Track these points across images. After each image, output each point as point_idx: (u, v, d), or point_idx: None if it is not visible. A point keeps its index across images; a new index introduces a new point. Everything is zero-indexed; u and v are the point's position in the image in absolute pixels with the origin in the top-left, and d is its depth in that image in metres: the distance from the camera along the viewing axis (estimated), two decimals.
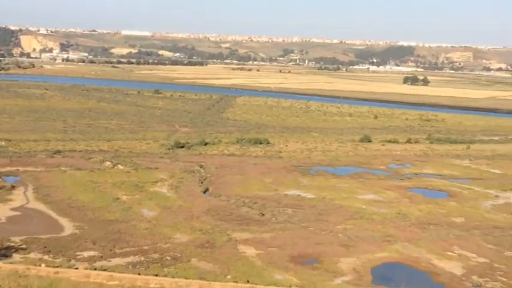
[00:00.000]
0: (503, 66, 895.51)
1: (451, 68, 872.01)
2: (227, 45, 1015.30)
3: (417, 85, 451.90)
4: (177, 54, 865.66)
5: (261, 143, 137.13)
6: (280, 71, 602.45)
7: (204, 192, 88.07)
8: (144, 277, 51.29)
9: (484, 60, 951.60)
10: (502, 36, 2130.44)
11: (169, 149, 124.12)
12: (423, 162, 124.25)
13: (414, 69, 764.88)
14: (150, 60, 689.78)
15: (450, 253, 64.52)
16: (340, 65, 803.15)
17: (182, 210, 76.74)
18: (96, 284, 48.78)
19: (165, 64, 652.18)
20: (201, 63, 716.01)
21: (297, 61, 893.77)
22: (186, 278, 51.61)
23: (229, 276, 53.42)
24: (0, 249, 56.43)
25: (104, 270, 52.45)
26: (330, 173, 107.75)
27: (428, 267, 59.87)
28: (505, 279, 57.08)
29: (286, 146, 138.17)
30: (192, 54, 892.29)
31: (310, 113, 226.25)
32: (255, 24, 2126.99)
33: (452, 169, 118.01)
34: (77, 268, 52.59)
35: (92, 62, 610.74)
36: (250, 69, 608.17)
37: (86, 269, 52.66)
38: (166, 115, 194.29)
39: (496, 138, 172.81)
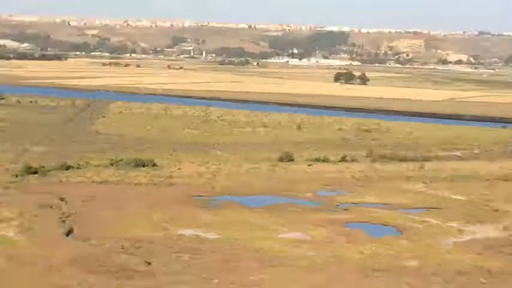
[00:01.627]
0: (463, 57, 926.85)
1: (397, 61, 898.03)
2: (95, 31, 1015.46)
3: (353, 84, 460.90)
4: (26, 44, 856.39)
5: (144, 166, 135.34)
6: (169, 67, 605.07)
7: (68, 234, 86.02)
8: None
9: (440, 50, 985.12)
10: (460, 19, 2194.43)
11: (17, 176, 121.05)
12: (363, 188, 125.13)
13: (348, 62, 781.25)
14: None
15: None
16: (249, 58, 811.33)
17: (37, 260, 75.18)
18: None
19: (8, 58, 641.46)
20: (59, 57, 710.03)
21: (192, 53, 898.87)
22: None
23: None
24: None
25: None
26: (239, 205, 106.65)
27: None
28: None
29: (179, 169, 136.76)
30: (47, 44, 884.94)
31: (210, 123, 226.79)
32: (133, 3, 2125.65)
33: (402, 196, 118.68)
34: None
35: None
36: (127, 65, 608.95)
37: None
38: (12, 129, 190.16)
39: (458, 153, 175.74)
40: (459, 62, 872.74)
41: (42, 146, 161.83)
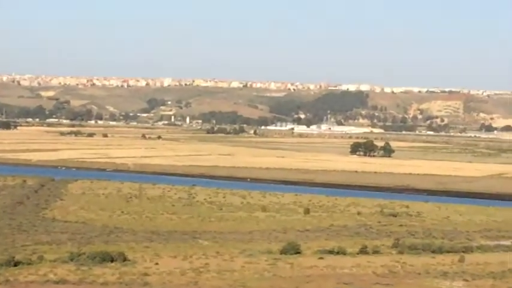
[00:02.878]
0: None
1: (429, 128, 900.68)
2: (51, 93, 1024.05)
3: (374, 156, 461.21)
4: None
5: (112, 261, 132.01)
6: (144, 137, 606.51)
7: None
8: None
9: (482, 114, 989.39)
10: (507, 76, 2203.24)
11: None
12: (389, 286, 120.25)
13: (368, 129, 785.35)
14: None
15: None
16: (244, 125, 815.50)
17: None
18: None
19: None
20: (6, 125, 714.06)
21: (173, 119, 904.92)
22: None
23: None
24: None
25: None
26: None
27: None
28: None
29: (157, 264, 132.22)
30: None
31: (196, 206, 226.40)
32: (98, 58, 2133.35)
33: None
34: None
35: None
36: (91, 134, 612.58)
37: None
38: None
39: (507, 243, 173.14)
40: (507, 128, 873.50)
41: None
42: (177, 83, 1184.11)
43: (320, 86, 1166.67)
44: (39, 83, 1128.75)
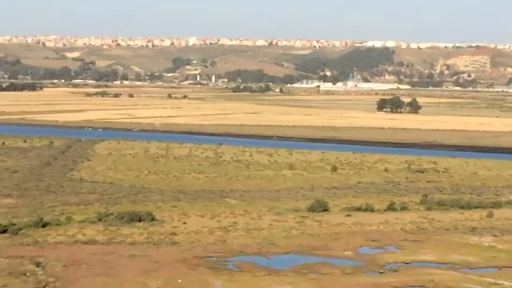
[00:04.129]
0: None
1: (456, 83, 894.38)
2: (77, 54, 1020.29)
3: (401, 113, 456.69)
4: None
5: (140, 220, 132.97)
6: (170, 96, 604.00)
7: None
8: None
9: (510, 68, 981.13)
10: None
11: None
12: (417, 243, 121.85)
13: (395, 86, 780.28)
14: None
15: None
16: (270, 83, 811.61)
17: None
18: None
19: None
20: (32, 87, 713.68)
21: (198, 78, 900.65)
22: None
23: None
24: None
25: None
26: (260, 267, 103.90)
27: None
28: None
29: (185, 223, 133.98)
30: (17, 70, 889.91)
31: (223, 165, 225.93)
32: (122, 19, 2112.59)
33: (466, 252, 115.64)
34: None
35: None
36: (118, 95, 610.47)
37: None
38: None
39: None
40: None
41: (12, 197, 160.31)
42: (202, 42, 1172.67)
43: (346, 43, 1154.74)
44: (64, 44, 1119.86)
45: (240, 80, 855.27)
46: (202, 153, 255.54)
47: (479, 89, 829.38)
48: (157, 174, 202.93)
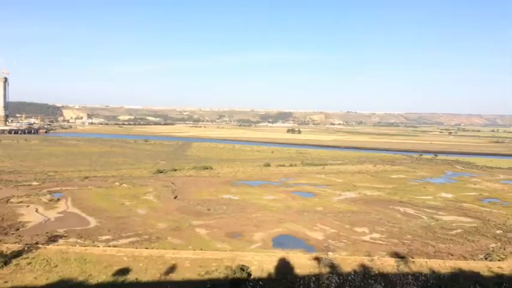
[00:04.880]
0: (341, 122, 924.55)
1: (313, 123, 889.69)
2: (187, 113, 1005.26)
3: (294, 133, 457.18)
4: (158, 118, 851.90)
5: (207, 169, 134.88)
6: (218, 127, 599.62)
7: (175, 198, 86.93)
8: (139, 250, 51.14)
9: (330, 119, 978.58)
10: (342, 102, 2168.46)
11: (154, 173, 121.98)
12: (299, 176, 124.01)
13: (292, 124, 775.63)
14: (142, 123, 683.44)
15: (315, 227, 66.22)
16: (251, 123, 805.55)
17: (161, 209, 76.03)
18: (110, 255, 48.19)
19: (150, 125, 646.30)
20: (171, 124, 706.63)
21: (227, 122, 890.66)
22: (165, 249, 51.60)
23: (190, 247, 53.47)
24: (50, 237, 55.60)
25: (115, 246, 51.94)
26: (247, 185, 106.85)
27: (304, 236, 61.39)
28: (345, 241, 59.14)
29: (222, 170, 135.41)
30: (166, 118, 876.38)
31: (235, 151, 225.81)
32: (202, 100, 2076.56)
33: (315, 180, 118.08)
34: (98, 246, 51.84)
35: (106, 124, 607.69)
36: (200, 127, 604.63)
37: (104, 246, 51.96)
38: (152, 154, 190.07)
39: (339, 162, 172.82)
40: (339, 124, 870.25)
41: (164, 161, 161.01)
42: (229, 109, 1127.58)
43: (277, 110, 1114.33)
44: (182, 109, 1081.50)
45: (241, 122, 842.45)
46: (228, 146, 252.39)
47: (320, 126, 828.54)
48: (213, 153, 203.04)
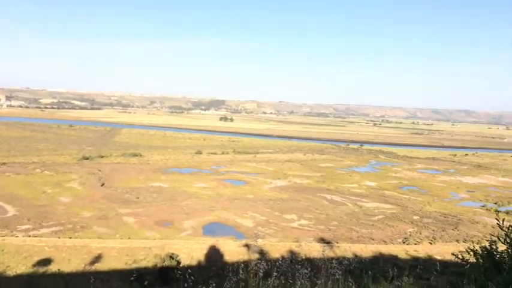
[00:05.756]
0: (273, 111, 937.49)
1: (245, 112, 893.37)
2: (116, 97, 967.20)
3: (227, 121, 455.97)
4: (84, 103, 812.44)
5: (136, 156, 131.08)
6: (148, 114, 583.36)
7: (101, 185, 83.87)
8: (62, 239, 49.17)
9: (263, 108, 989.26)
10: (274, 92, 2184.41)
11: (79, 160, 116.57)
12: (231, 164, 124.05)
13: (225, 112, 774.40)
14: (67, 107, 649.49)
15: (246, 215, 67.04)
16: (183, 110, 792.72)
17: (87, 197, 73.17)
18: (30, 246, 45.86)
19: (75, 109, 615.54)
20: (99, 109, 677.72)
21: (158, 108, 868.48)
22: (90, 238, 50.00)
23: (117, 235, 52.18)
24: None
25: (35, 236, 49.43)
26: (178, 172, 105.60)
27: (235, 223, 61.96)
28: (275, 228, 60.46)
29: (152, 157, 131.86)
30: (93, 103, 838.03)
31: (166, 138, 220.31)
32: (132, 85, 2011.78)
33: (247, 168, 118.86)
34: (17, 236, 49.06)
35: (26, 107, 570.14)
36: (129, 112, 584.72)
37: (24, 236, 49.27)
38: (77, 140, 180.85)
39: (270, 150, 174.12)
40: (271, 113, 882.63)
41: (91, 147, 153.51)
42: (160, 95, 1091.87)
43: (210, 97, 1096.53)
44: (110, 94, 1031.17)
45: (173, 109, 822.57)
46: (159, 133, 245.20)
47: (253, 115, 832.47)
48: (143, 140, 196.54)
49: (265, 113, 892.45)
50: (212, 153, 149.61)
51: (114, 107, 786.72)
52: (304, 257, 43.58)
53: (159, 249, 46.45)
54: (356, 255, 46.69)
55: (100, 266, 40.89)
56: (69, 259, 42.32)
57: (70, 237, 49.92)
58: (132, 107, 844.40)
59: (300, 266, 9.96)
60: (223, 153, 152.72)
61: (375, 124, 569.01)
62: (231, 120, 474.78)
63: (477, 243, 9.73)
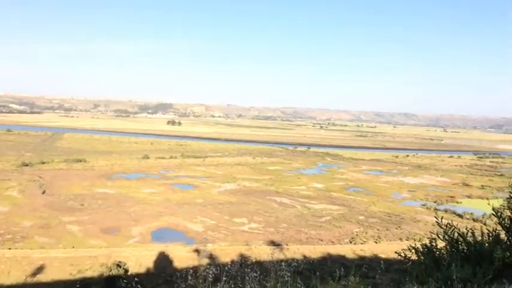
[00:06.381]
0: (222, 114, 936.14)
1: (194, 116, 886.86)
2: (57, 101, 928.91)
3: (175, 125, 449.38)
4: (23, 107, 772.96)
5: (80, 161, 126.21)
6: (92, 117, 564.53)
7: (43, 193, 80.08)
8: (1, 250, 46.46)
9: (211, 112, 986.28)
10: (223, 95, 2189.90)
11: (18, 167, 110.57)
12: (179, 169, 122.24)
13: (173, 116, 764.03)
14: (4, 111, 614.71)
15: (195, 219, 66.46)
16: (129, 114, 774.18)
17: (27, 205, 69.65)
18: None
19: (14, 113, 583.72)
20: (39, 113, 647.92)
21: (102, 112, 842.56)
22: (31, 249, 47.64)
23: (61, 245, 50.11)
24: None
25: None
26: (124, 178, 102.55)
27: (184, 228, 61.24)
28: (225, 232, 60.31)
29: (97, 162, 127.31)
30: (33, 106, 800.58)
31: (112, 142, 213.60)
32: (75, 88, 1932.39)
33: (195, 172, 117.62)
34: None
35: None
36: (72, 116, 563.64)
37: None
38: (16, 145, 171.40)
39: (219, 154, 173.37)
40: (219, 116, 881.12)
41: (31, 153, 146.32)
42: (105, 99, 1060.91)
43: (157, 100, 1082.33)
44: (52, 98, 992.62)
45: (118, 113, 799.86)
46: (104, 138, 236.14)
47: (201, 118, 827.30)
48: (88, 145, 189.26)
49: (213, 116, 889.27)
50: (160, 158, 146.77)
51: (56, 111, 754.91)
52: (254, 260, 43.73)
53: (105, 258, 45.01)
54: (305, 257, 47.48)
55: (42, 277, 39.07)
56: (9, 271, 40.15)
57: (10, 248, 47.36)
58: (75, 110, 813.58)
59: (249, 270, 10.01)
60: (171, 157, 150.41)
61: (321, 127, 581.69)
62: (179, 123, 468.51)
63: (418, 241, 10.20)
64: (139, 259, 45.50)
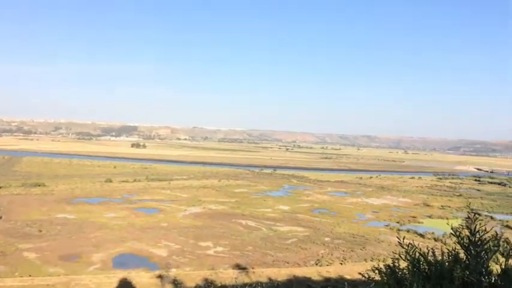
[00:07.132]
0: (188, 137, 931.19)
1: (159, 138, 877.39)
2: (16, 123, 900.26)
3: (139, 148, 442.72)
4: None
5: (39, 186, 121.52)
6: (53, 140, 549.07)
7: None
8: None
9: (177, 134, 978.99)
10: (189, 118, 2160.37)
11: None
12: (143, 193, 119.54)
13: (137, 138, 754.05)
14: None
15: (160, 244, 65.00)
16: (92, 137, 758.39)
17: None
18: None
19: None
20: None
21: (64, 134, 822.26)
22: None
23: (17, 273, 47.80)
24: None
25: None
26: (85, 202, 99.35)
27: (148, 253, 59.75)
28: (190, 256, 59.17)
29: (57, 187, 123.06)
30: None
31: (73, 166, 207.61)
32: (35, 111, 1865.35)
33: (160, 195, 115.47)
34: None
35: None
36: (32, 139, 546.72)
37: None
38: None
39: (185, 177, 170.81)
40: (185, 139, 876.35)
41: None
42: (66, 121, 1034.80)
43: (121, 123, 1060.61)
44: (11, 120, 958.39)
45: (81, 135, 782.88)
46: (65, 161, 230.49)
47: (167, 141, 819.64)
48: (47, 169, 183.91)
49: (179, 139, 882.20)
50: (123, 181, 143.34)
51: (15, 134, 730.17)
52: (218, 285, 43.04)
53: (63, 286, 43.18)
54: (271, 279, 47.03)
55: None
56: None
57: None
58: (35, 133, 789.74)
59: None
60: (135, 180, 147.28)
61: (287, 149, 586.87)
62: (144, 146, 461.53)
63: (382, 262, 10.24)
64: (99, 287, 43.87)
